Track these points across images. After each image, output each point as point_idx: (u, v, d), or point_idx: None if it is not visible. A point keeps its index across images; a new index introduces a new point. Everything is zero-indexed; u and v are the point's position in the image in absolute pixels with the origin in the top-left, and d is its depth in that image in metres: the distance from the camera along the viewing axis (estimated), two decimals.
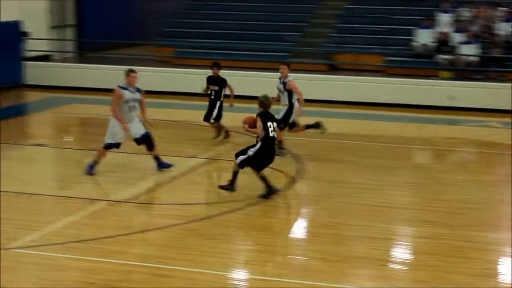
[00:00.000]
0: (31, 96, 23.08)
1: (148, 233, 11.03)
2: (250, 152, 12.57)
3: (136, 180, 13.81)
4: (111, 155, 14.24)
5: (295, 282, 9.29)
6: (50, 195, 12.86)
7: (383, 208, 12.30)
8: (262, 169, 12.73)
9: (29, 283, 9.21)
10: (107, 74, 23.27)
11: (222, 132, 17.01)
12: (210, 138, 16.88)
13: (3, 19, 23.31)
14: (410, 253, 10.55)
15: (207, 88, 16.99)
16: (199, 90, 17.22)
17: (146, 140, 13.93)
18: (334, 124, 17.89)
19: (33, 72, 24.03)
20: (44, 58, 25.26)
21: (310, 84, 22.12)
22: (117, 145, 13.80)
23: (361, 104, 22.02)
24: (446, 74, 22.91)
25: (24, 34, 24.24)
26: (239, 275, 9.79)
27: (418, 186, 13.83)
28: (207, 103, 17.09)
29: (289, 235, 11.37)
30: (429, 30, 23.84)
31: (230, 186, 12.73)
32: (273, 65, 23.50)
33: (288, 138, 16.43)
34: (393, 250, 10.69)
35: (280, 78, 15.55)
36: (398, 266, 10.07)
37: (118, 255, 10.03)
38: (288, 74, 15.40)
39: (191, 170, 14.56)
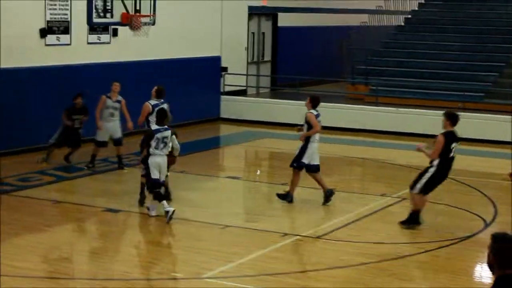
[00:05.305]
0: (227, 129, 23.72)
1: (337, 270, 11.01)
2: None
3: (326, 216, 13.89)
4: (299, 190, 14.39)
5: None
6: (242, 227, 13.14)
7: None
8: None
9: None
10: (299, 110, 23.53)
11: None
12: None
13: (206, 54, 24.14)
14: None
15: (71, 118, 16.94)
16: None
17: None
18: None
19: (230, 106, 24.71)
20: (241, 92, 25.94)
21: (506, 126, 21.52)
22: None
23: None
24: None
25: (224, 69, 25.01)
26: None
27: None
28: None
29: (483, 280, 11.03)
30: None
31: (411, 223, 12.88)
32: (468, 105, 23.05)
33: (483, 180, 16.02)
34: None
35: None
36: None
37: None
38: None
39: (382, 208, 14.45)
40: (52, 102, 18.82)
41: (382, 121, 22.84)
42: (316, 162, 14.35)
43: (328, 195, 14.34)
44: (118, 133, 16.89)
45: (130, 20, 17.18)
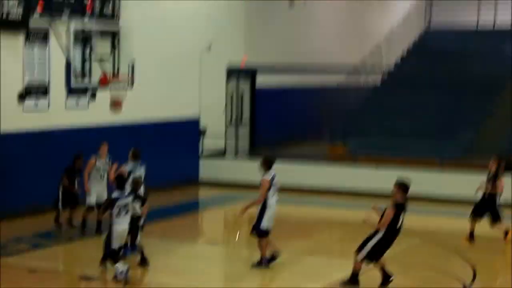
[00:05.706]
0: (206, 193, 23.53)
1: None
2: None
3: (307, 280, 13.76)
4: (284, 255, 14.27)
5: None
6: None
7: None
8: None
9: None
10: (278, 171, 23.46)
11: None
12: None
13: (184, 115, 24.03)
14: None
15: (71, 179, 16.82)
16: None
17: None
18: None
19: (209, 168, 24.53)
20: (220, 153, 25.84)
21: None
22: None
23: None
24: None
25: (202, 130, 24.93)
26: None
27: None
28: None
29: None
30: None
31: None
32: (446, 163, 22.97)
33: (461, 242, 15.95)
34: None
35: None
36: None
37: None
38: None
39: (362, 272, 14.30)
40: (33, 168, 18.67)
41: (361, 181, 22.79)
42: (270, 226, 14.06)
43: (272, 257, 14.15)
44: (104, 196, 16.56)
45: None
